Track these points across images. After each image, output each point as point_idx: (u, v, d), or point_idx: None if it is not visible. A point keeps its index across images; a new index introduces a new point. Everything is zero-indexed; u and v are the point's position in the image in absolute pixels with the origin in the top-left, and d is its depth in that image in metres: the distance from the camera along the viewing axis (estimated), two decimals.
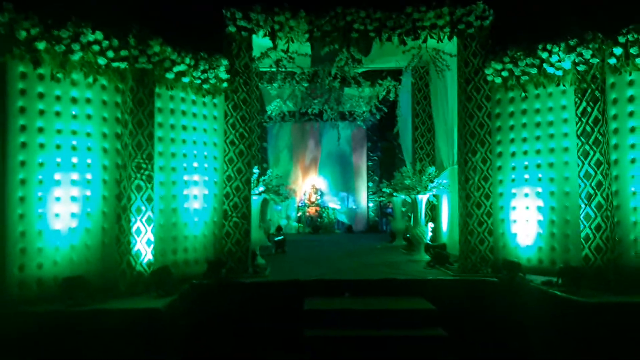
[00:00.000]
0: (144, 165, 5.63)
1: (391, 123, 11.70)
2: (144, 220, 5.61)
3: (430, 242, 8.31)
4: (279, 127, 15.38)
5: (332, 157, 16.02)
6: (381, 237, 12.76)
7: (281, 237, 9.42)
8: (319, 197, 15.76)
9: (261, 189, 7.57)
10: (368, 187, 15.88)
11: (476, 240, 6.55)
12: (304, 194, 15.92)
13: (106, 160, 5.59)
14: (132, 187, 5.57)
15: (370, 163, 16.05)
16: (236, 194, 6.61)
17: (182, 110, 6.26)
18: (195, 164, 6.37)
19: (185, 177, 6.26)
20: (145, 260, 5.63)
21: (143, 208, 5.61)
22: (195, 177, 6.36)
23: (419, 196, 8.00)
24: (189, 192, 6.30)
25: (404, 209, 10.63)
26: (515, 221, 6.47)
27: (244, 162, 6.64)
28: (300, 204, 15.76)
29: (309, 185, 15.97)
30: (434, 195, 8.31)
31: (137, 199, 5.58)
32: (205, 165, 6.48)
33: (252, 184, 7.28)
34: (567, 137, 6.07)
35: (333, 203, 15.87)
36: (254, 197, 7.59)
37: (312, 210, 15.53)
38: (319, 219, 15.40)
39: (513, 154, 6.53)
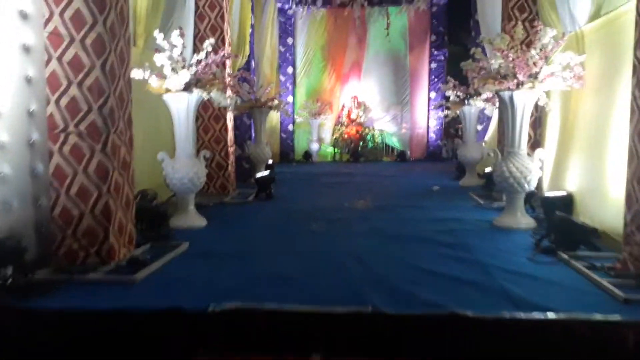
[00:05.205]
0: None
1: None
2: None
3: (536, 191, 4.14)
4: (307, 16, 11.34)
5: (381, 58, 11.81)
6: (443, 169, 8.60)
7: (266, 174, 5.60)
8: (362, 114, 11.77)
9: (184, 79, 3.73)
10: (429, 99, 11.54)
11: None
12: (343, 110, 11.94)
13: None
14: None
15: (434, 65, 11.58)
16: (75, 80, 2.76)
17: None
18: None
19: None
20: None
21: None
22: None
23: (517, 96, 3.77)
24: None
25: (480, 127, 6.41)
26: None
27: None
28: (337, 123, 11.87)
29: (349, 98, 11.93)
30: (546, 94, 3.99)
31: None
32: None
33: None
34: None
35: (381, 121, 11.84)
36: (178, 95, 3.81)
37: (352, 132, 11.58)
38: (361, 143, 11.50)
39: None
